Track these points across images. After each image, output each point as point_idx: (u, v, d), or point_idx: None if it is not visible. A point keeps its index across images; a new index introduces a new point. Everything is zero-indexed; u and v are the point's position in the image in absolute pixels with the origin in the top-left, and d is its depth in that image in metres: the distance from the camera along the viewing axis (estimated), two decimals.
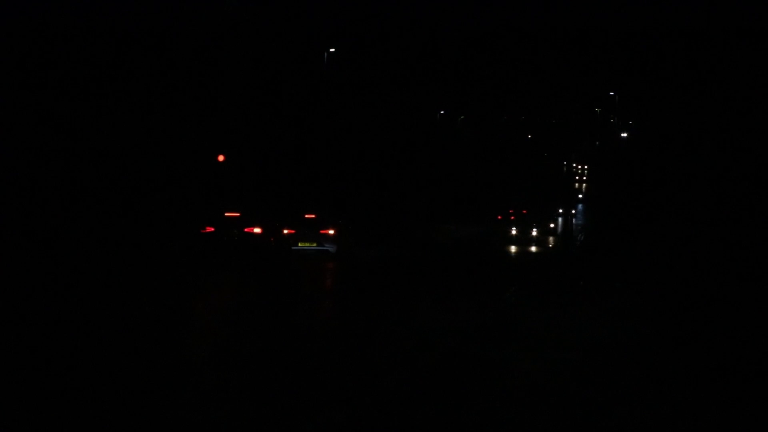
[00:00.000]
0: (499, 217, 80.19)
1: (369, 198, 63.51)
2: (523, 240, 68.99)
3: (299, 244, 39.00)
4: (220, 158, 43.69)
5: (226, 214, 36.21)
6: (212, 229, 35.20)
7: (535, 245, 65.65)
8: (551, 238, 74.19)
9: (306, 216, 40.92)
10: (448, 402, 10.26)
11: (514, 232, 71.46)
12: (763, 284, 27.39)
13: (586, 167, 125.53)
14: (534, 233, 71.69)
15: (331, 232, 39.74)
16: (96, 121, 43.39)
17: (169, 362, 12.61)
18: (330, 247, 39.35)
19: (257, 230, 35.99)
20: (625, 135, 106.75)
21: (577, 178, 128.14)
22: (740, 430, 9.65)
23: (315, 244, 39.21)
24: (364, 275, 31.94)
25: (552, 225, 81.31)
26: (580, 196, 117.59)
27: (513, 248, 59.30)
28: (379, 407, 9.95)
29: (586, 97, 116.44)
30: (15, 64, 42.05)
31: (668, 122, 67.62)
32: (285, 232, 38.93)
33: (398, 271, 33.38)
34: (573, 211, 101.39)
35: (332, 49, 61.23)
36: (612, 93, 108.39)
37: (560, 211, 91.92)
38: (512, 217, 78.83)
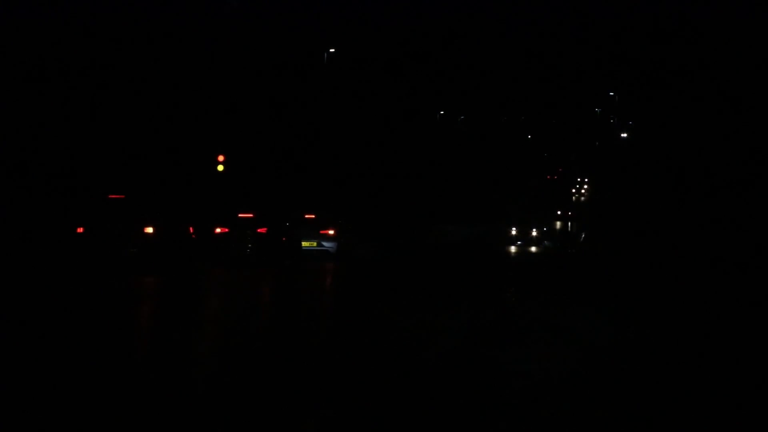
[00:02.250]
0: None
1: (368, 198, 63.53)
2: (524, 240, 69.00)
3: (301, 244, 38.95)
4: (220, 158, 43.76)
5: (240, 215, 36.29)
6: (226, 230, 35.33)
7: (535, 246, 65.67)
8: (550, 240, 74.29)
9: (306, 216, 40.59)
10: (447, 402, 10.21)
11: (513, 232, 71.47)
12: (763, 284, 27.35)
13: (586, 180, 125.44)
14: (534, 233, 71.70)
15: (332, 232, 39.77)
16: (98, 123, 43.45)
17: (165, 358, 12.57)
18: (330, 247, 39.41)
19: (269, 230, 36.05)
20: (625, 135, 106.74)
21: (578, 181, 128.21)
22: (740, 430, 9.61)
23: (315, 244, 39.24)
24: (363, 275, 31.98)
25: (555, 227, 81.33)
26: (581, 199, 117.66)
27: (513, 249, 59.32)
28: (378, 407, 9.91)
29: (586, 97, 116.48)
30: (13, 65, 42.06)
31: (668, 122, 67.60)
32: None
33: (397, 271, 33.39)
34: (570, 213, 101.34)
35: (332, 50, 61.23)
36: (612, 93, 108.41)
37: (558, 213, 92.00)
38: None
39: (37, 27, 44.24)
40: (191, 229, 33.40)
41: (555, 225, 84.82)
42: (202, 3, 55.60)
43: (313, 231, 39.57)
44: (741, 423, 9.77)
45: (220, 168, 43.48)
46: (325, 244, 39.42)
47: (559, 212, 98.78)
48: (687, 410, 10.22)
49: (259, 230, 35.95)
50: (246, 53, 56.62)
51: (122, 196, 32.69)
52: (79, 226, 29.95)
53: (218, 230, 35.36)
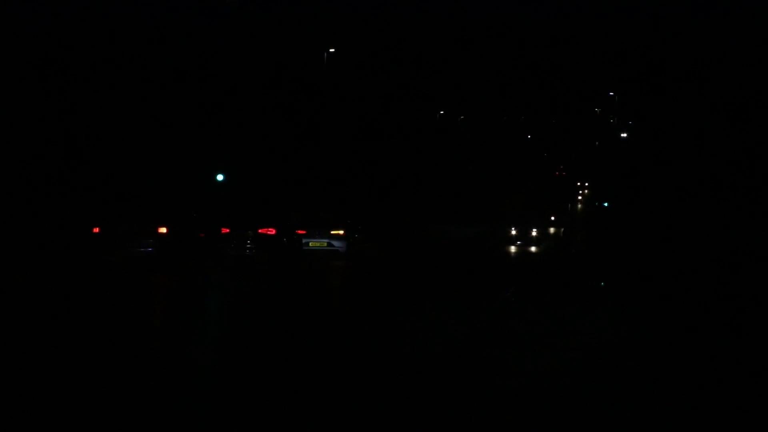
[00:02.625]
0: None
1: (371, 198, 63.62)
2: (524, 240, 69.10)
3: (310, 244, 39.74)
4: (223, 161, 44.42)
5: (241, 216, 36.98)
6: (227, 230, 35.98)
7: (535, 245, 65.71)
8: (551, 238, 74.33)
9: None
10: (447, 401, 10.30)
11: (513, 232, 71.51)
12: (762, 284, 27.42)
13: (587, 184, 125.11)
14: (534, 233, 71.72)
15: (341, 231, 40.58)
16: (104, 124, 43.88)
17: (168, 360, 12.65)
18: (339, 247, 40.17)
19: (271, 231, 36.57)
20: (625, 135, 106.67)
21: (578, 185, 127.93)
22: (739, 430, 9.68)
23: (325, 244, 40.06)
24: (367, 274, 32.28)
25: (555, 226, 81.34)
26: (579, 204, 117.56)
27: (513, 249, 59.35)
28: (379, 406, 9.99)
29: (586, 97, 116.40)
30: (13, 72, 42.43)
31: (668, 122, 67.64)
32: (297, 232, 39.64)
33: (401, 270, 33.64)
34: (573, 212, 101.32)
35: (332, 49, 61.26)
36: (612, 93, 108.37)
37: (552, 219, 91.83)
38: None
39: (53, 34, 44.56)
40: (202, 230, 34.15)
41: (555, 225, 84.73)
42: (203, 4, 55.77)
43: (323, 231, 40.26)
44: (740, 423, 9.84)
45: (220, 176, 44.01)
46: (334, 243, 40.12)
47: (561, 212, 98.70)
48: (686, 410, 10.30)
49: (260, 230, 36.30)
50: (247, 54, 56.73)
51: (136, 197, 33.53)
52: (95, 226, 31.01)
53: (220, 230, 35.86)
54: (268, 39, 60.62)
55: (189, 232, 33.23)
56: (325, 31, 66.46)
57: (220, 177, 44.15)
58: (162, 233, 31.04)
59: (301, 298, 22.79)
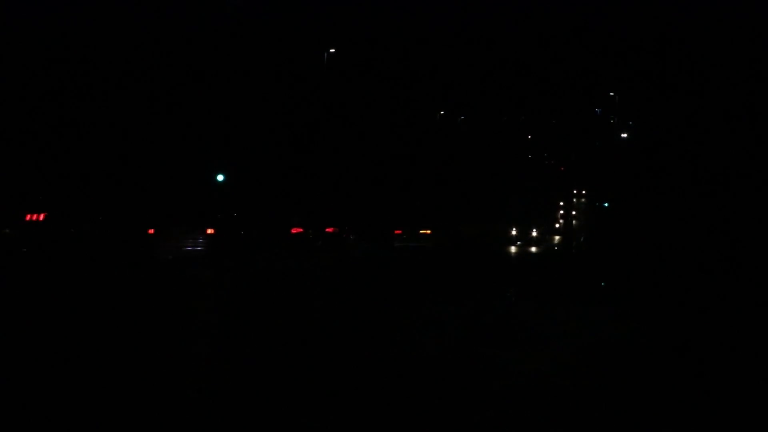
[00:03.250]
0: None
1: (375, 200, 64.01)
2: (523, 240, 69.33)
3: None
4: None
5: (312, 219, 45.25)
6: (301, 230, 43.31)
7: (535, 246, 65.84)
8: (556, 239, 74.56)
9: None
10: (447, 401, 10.37)
11: (514, 232, 71.71)
12: (761, 285, 27.48)
13: (585, 189, 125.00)
14: (534, 233, 71.96)
15: (428, 231, 50.49)
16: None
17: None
18: (426, 243, 47.95)
19: (333, 230, 45.19)
20: (625, 135, 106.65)
21: (575, 192, 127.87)
22: (737, 429, 9.75)
23: (415, 241, 48.96)
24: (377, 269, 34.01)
25: (556, 227, 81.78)
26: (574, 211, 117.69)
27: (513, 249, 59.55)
28: (380, 405, 10.06)
29: (586, 97, 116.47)
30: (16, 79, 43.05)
31: (668, 122, 67.63)
32: (395, 232, 48.38)
33: (407, 267, 34.55)
34: (573, 212, 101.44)
35: (332, 50, 61.31)
36: (612, 93, 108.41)
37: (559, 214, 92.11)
38: None
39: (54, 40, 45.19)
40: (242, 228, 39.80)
41: (552, 231, 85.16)
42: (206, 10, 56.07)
43: (414, 231, 49.75)
44: (739, 423, 9.91)
45: (220, 176, 45.85)
46: (422, 241, 49.03)
47: (560, 211, 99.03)
48: (685, 409, 10.36)
49: (327, 230, 44.62)
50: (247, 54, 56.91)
51: (185, 201, 38.35)
52: (150, 228, 34.97)
53: (294, 230, 43.19)
54: (270, 40, 60.81)
55: (233, 231, 38.74)
56: (325, 32, 66.51)
57: (220, 177, 44.99)
58: (210, 233, 35.66)
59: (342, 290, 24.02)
